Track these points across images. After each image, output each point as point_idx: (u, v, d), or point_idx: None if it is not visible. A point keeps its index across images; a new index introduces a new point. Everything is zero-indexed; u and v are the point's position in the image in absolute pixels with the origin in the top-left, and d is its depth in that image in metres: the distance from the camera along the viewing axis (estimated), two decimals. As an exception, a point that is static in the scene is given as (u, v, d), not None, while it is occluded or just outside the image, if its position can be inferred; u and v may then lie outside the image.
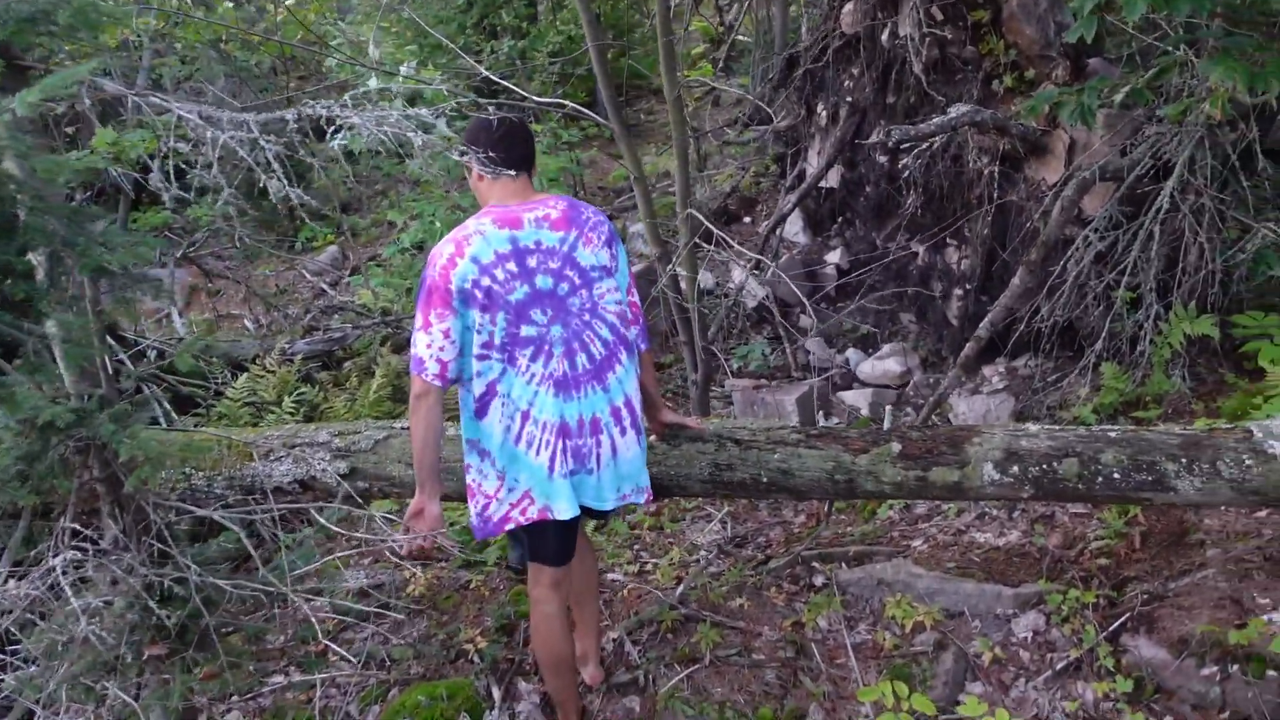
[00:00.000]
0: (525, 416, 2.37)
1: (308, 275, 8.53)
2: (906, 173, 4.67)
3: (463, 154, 2.41)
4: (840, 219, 6.44)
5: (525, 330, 2.34)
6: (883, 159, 5.26)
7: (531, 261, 2.34)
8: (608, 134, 10.27)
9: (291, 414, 4.61)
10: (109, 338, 4.50)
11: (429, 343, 2.30)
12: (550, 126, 6.06)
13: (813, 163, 6.06)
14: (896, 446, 2.79)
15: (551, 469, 2.39)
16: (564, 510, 2.41)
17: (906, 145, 4.96)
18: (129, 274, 1.66)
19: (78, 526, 1.99)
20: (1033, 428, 2.76)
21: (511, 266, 2.32)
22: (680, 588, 3.30)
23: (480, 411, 2.39)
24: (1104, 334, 4.06)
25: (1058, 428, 2.75)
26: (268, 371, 5.08)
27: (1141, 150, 3.91)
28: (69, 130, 5.98)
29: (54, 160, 1.57)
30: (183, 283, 8.45)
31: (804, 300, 6.34)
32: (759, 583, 3.43)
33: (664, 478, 2.92)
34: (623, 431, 2.49)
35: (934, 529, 3.79)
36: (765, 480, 2.86)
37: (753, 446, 2.88)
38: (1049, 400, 4.48)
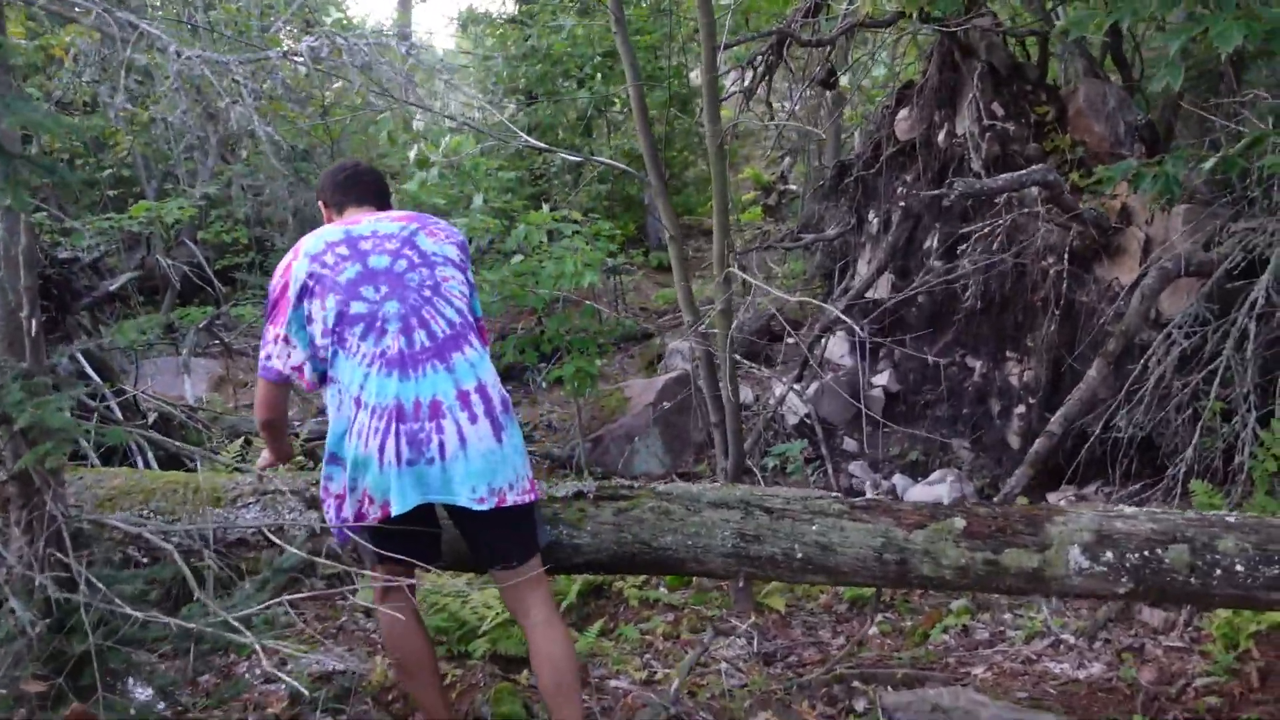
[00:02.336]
0: (357, 404, 2.15)
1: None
2: (964, 268, 4.35)
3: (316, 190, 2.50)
4: (889, 338, 6.11)
5: (355, 307, 2.18)
6: (938, 264, 4.97)
7: (365, 245, 2.26)
8: (654, 263, 10.34)
9: (284, 486, 4.25)
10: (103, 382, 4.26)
11: (273, 338, 2.26)
12: (592, 217, 5.92)
13: (862, 274, 5.79)
14: (960, 523, 2.32)
15: (382, 460, 2.12)
16: (397, 503, 2.13)
17: (963, 246, 4.69)
18: (30, 157, 1.38)
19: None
20: (1129, 509, 2.28)
21: (342, 250, 2.24)
22: (675, 685, 2.75)
23: (331, 406, 2.24)
24: (1192, 446, 3.57)
25: (1159, 510, 2.27)
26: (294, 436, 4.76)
27: (1230, 244, 3.56)
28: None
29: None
30: (212, 374, 8.35)
31: (845, 424, 5.93)
32: (788, 699, 2.87)
33: (678, 548, 2.48)
34: (473, 419, 2.16)
35: (998, 655, 3.20)
36: (800, 556, 2.40)
37: (786, 516, 2.44)
38: (1128, 525, 3.92)
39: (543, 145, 3.85)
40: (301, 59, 1.80)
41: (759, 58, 4.71)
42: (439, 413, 2.12)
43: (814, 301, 4.52)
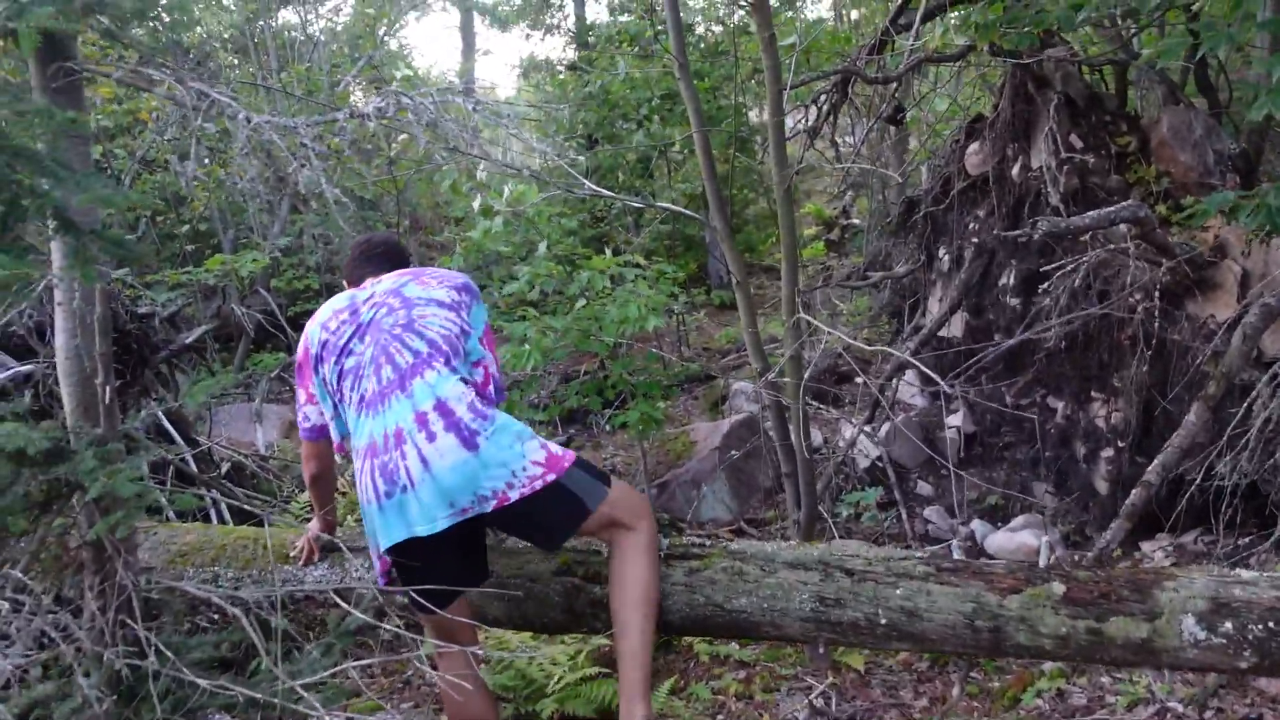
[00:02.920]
0: (356, 453, 2.24)
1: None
2: (1046, 301, 4.16)
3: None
4: (964, 378, 5.90)
5: (347, 363, 2.31)
6: (1014, 301, 4.78)
7: (364, 308, 2.39)
8: (716, 301, 10.27)
9: (352, 535, 4.26)
10: (179, 436, 4.34)
11: (304, 399, 2.43)
12: (657, 263, 5.88)
13: (933, 312, 5.62)
14: (1059, 588, 2.16)
15: (365, 499, 2.17)
16: (383, 539, 2.15)
17: (1044, 284, 4.50)
18: (100, 233, 1.38)
19: (23, 578, 1.62)
20: (1247, 574, 2.09)
21: (345, 315, 2.38)
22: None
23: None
24: (1306, 495, 3.32)
25: (1283, 576, 2.08)
26: (339, 493, 4.79)
27: (1337, 278, 3.33)
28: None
29: (44, 109, 1.34)
30: (284, 419, 8.51)
31: (919, 466, 5.71)
32: (871, 771, 2.71)
33: (753, 611, 2.37)
34: (431, 437, 2.12)
35: (1098, 725, 2.99)
36: (884, 622, 2.26)
37: (868, 578, 2.31)
38: (1235, 579, 3.65)
39: (606, 192, 3.84)
40: (369, 118, 1.80)
41: (823, 97, 4.64)
42: (401, 440, 2.14)
43: (887, 350, 4.37)
